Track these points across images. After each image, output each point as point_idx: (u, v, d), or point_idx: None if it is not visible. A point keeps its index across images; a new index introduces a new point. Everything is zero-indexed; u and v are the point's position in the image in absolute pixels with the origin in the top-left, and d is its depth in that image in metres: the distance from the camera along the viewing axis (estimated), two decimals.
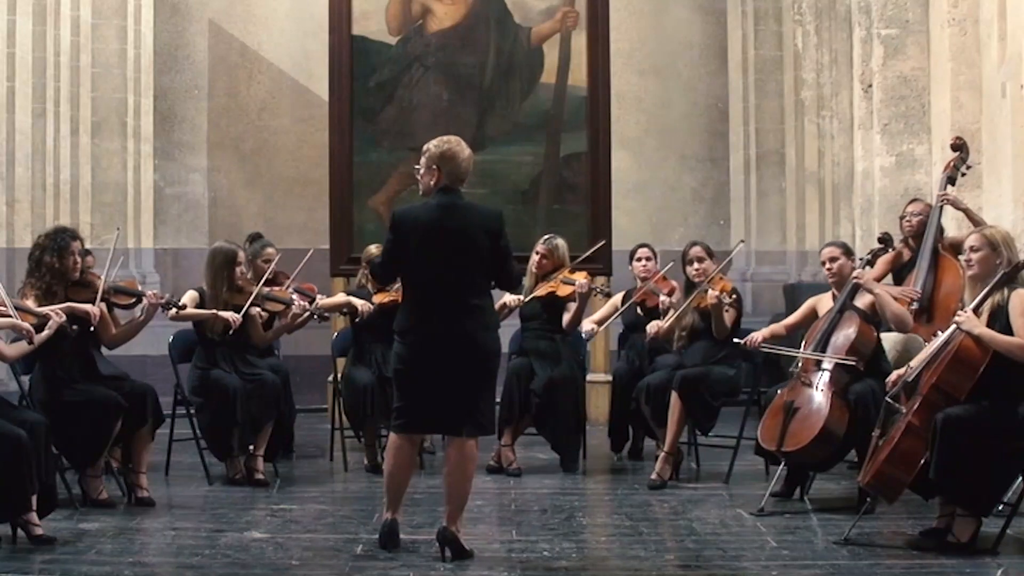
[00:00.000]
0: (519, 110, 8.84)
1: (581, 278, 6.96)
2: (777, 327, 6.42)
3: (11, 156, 9.38)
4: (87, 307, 5.77)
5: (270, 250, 7.24)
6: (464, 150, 4.95)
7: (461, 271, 4.86)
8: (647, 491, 6.29)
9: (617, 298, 7.27)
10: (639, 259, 7.30)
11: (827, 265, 6.20)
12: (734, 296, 6.55)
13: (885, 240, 6.67)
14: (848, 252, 6.25)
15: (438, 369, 4.83)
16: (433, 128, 8.69)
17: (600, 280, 8.57)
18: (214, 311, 6.46)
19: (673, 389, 6.46)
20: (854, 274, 6.01)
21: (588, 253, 7.69)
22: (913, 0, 8.57)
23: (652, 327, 6.79)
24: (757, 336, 6.29)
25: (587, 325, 7.09)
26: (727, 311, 6.55)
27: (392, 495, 4.96)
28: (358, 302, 7.00)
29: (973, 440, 4.77)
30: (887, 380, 5.32)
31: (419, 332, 4.88)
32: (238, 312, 6.49)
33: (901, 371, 5.30)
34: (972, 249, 5.08)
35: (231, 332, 6.46)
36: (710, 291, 6.54)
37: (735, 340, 6.44)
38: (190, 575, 4.62)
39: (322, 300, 7.05)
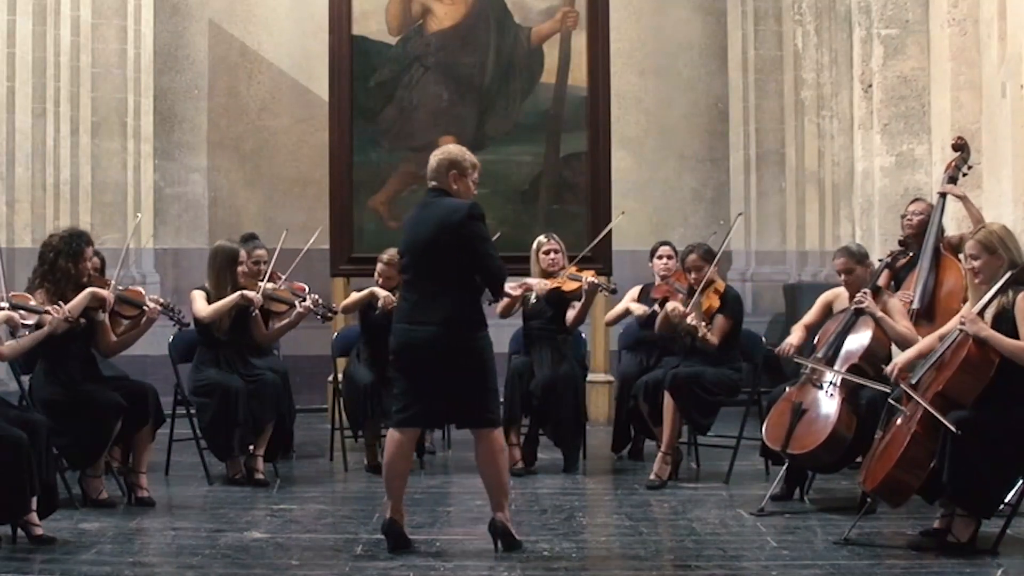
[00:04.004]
0: (519, 110, 8.84)
1: (588, 275, 6.94)
2: (801, 328, 6.20)
3: (11, 156, 9.37)
4: (104, 292, 5.80)
5: (260, 251, 7.19)
6: (436, 152, 5.11)
7: (428, 268, 4.95)
8: (647, 491, 6.29)
9: (635, 292, 7.25)
10: (660, 256, 7.24)
11: (843, 276, 6.06)
12: (708, 327, 6.49)
13: (906, 244, 6.60)
14: (861, 260, 6.08)
15: (418, 364, 4.92)
16: (433, 128, 8.73)
17: (602, 280, 8.58)
18: (241, 291, 6.51)
19: (665, 388, 6.46)
20: (857, 298, 5.88)
21: (610, 226, 7.75)
22: (913, 0, 8.56)
23: (673, 312, 6.63)
24: (789, 347, 6.04)
25: (636, 309, 7.08)
26: (707, 332, 6.51)
27: (390, 491, 4.98)
28: (382, 292, 6.98)
29: (982, 445, 4.76)
30: (887, 369, 5.28)
31: (400, 326, 5.02)
32: (246, 314, 6.51)
33: (900, 361, 5.25)
34: (972, 257, 5.01)
35: (252, 311, 6.53)
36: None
37: (768, 347, 6.31)
38: (190, 575, 4.62)
39: (347, 300, 7.08)
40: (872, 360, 5.77)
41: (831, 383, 5.75)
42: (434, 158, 5.10)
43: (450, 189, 5.04)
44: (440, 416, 5.18)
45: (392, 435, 5.04)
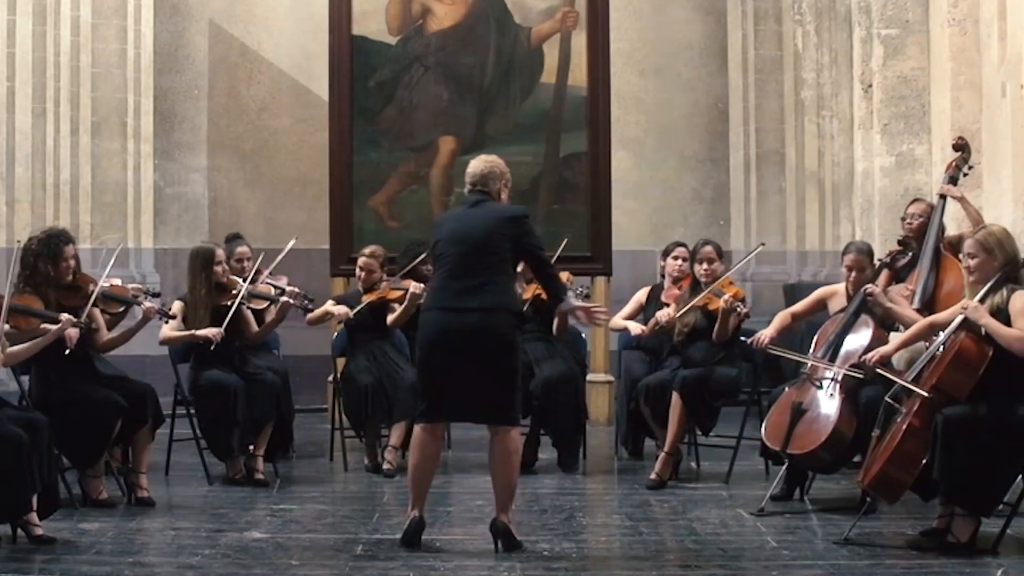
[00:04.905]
0: (519, 110, 8.84)
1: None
2: (784, 316, 6.31)
3: (11, 156, 9.38)
4: (71, 332, 5.61)
5: (241, 249, 7.22)
6: (483, 160, 5.25)
7: (480, 258, 4.98)
8: (647, 491, 6.29)
9: (642, 294, 7.20)
10: (676, 257, 7.13)
11: (852, 273, 6.11)
12: (745, 310, 6.50)
13: (905, 244, 6.62)
14: (871, 258, 6.15)
15: (454, 354, 4.92)
16: (433, 128, 8.73)
17: (600, 281, 8.57)
18: (192, 332, 6.41)
19: (674, 390, 6.45)
20: (867, 287, 5.90)
21: (557, 253, 7.47)
22: (913, 0, 8.56)
23: (660, 316, 6.67)
24: (764, 337, 6.13)
25: (634, 328, 6.91)
26: (737, 318, 6.50)
27: (417, 491, 4.98)
28: (336, 310, 6.99)
29: (974, 440, 4.77)
30: (865, 357, 5.33)
31: (436, 314, 5.03)
32: (226, 314, 6.44)
33: (884, 349, 5.30)
34: (969, 256, 5.05)
35: (212, 347, 6.40)
36: (724, 296, 6.51)
37: (741, 339, 6.36)
38: (190, 575, 4.62)
39: (310, 315, 7.05)
40: None
41: (832, 382, 5.75)
42: (484, 164, 5.20)
43: (498, 197, 5.16)
44: (466, 410, 5.09)
45: (418, 434, 5.04)
